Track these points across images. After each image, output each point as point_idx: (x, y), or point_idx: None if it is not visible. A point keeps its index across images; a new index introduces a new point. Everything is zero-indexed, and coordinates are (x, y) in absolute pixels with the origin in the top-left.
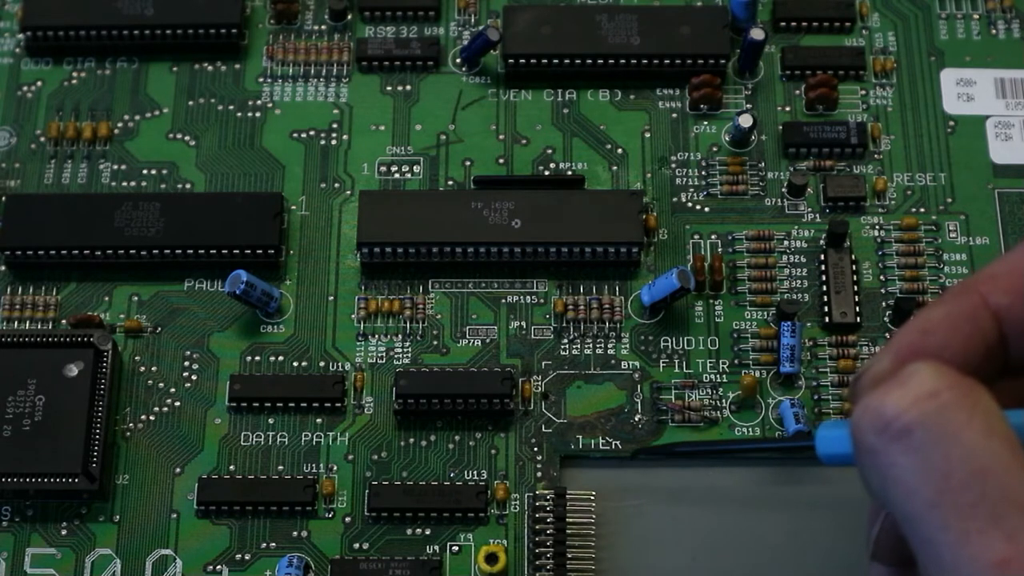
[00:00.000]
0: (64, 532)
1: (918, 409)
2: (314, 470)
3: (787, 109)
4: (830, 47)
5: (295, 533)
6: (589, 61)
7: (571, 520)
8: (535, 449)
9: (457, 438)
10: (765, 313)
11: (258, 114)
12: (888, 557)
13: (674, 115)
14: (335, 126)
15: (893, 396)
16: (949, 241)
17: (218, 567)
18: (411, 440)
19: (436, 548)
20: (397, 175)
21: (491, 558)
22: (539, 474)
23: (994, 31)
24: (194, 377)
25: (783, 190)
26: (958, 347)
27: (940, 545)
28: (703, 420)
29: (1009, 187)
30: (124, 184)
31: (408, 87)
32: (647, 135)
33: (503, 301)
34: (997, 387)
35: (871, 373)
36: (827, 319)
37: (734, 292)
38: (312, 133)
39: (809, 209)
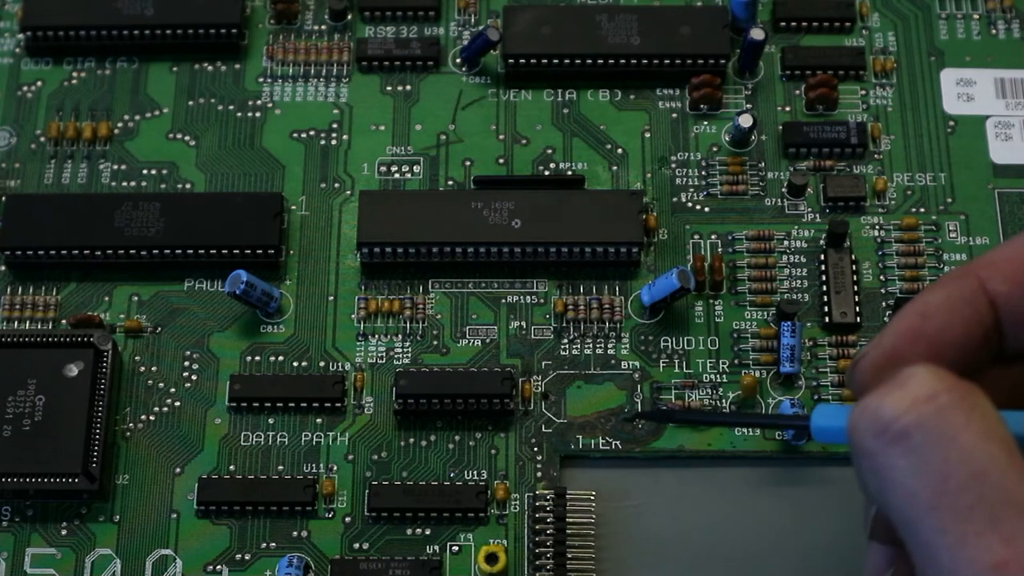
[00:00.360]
0: (64, 532)
1: (916, 412)
2: (314, 470)
3: (787, 109)
4: (830, 47)
5: (295, 533)
6: (589, 61)
7: (571, 520)
8: (535, 449)
9: (457, 438)
10: (765, 313)
11: (258, 114)
12: (886, 536)
13: (674, 115)
14: (335, 126)
15: (891, 399)
16: (949, 241)
17: (218, 567)
18: (411, 440)
19: (436, 548)
20: (397, 175)
21: (491, 558)
22: (539, 474)
23: (994, 31)
24: (194, 377)
25: (783, 190)
26: (956, 331)
27: (938, 548)
28: None
29: (1009, 187)
30: (124, 184)
31: (408, 87)
32: (647, 135)
33: (503, 301)
34: (990, 375)
35: (869, 358)
36: (827, 319)
37: (734, 292)
38: (312, 133)
39: (809, 209)
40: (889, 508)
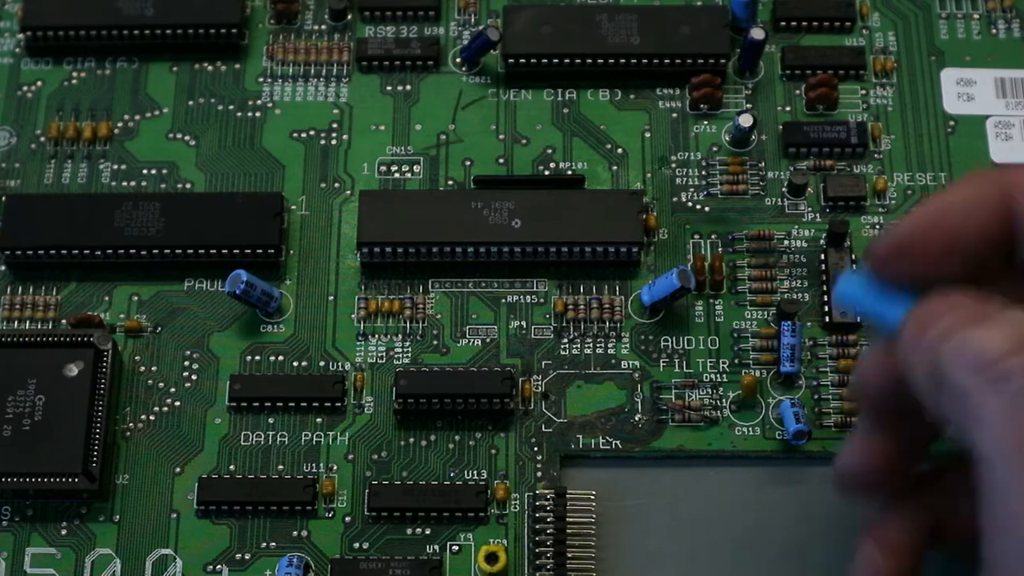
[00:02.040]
0: (64, 532)
1: (1020, 356)
2: (314, 470)
3: (787, 109)
4: (830, 47)
5: (295, 533)
6: (589, 61)
7: (571, 520)
8: (535, 449)
9: (457, 438)
10: (765, 313)
11: (258, 114)
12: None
13: (674, 115)
14: (335, 126)
15: (996, 339)
16: None
17: (218, 567)
18: (411, 440)
19: (436, 548)
20: (397, 175)
21: (491, 558)
22: (539, 474)
23: (994, 31)
24: (194, 377)
25: (783, 190)
26: (972, 231)
27: (1014, 493)
28: (703, 420)
29: None
30: (124, 184)
31: (408, 87)
32: (647, 135)
33: (503, 301)
34: (1001, 288)
35: (884, 243)
36: (827, 319)
37: (734, 292)
38: (312, 133)
39: (809, 209)
40: (969, 444)
